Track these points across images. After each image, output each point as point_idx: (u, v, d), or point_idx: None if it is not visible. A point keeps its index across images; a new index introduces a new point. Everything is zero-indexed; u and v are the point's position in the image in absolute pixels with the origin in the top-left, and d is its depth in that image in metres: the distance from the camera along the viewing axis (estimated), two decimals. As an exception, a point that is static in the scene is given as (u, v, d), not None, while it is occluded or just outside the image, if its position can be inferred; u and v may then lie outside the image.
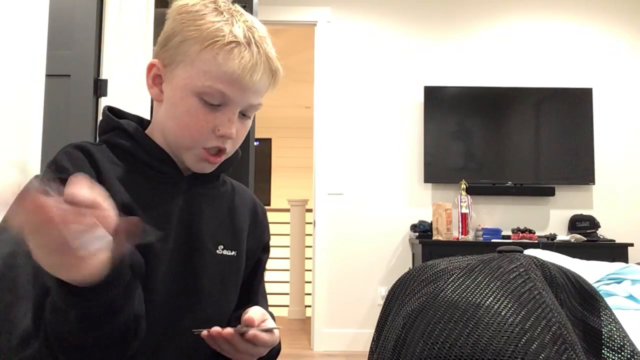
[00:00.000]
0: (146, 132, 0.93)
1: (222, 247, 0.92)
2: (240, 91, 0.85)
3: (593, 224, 4.02)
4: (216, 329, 0.79)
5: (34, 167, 1.78)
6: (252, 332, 0.81)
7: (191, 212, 0.91)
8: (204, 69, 0.84)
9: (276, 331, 0.87)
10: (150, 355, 0.83)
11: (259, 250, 1.02)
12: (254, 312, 0.87)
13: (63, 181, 0.74)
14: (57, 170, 0.81)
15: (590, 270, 1.94)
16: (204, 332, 0.80)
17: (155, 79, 0.90)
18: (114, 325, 0.70)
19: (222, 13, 0.86)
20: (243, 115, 0.90)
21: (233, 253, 0.94)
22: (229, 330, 0.80)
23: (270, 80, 0.89)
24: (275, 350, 0.93)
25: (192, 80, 0.85)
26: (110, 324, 0.69)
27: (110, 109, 0.95)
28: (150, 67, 0.90)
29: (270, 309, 0.98)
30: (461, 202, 3.86)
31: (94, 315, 0.67)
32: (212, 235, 0.92)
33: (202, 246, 0.90)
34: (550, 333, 0.49)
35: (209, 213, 0.93)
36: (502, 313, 0.51)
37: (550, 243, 3.75)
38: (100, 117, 0.98)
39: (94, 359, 0.72)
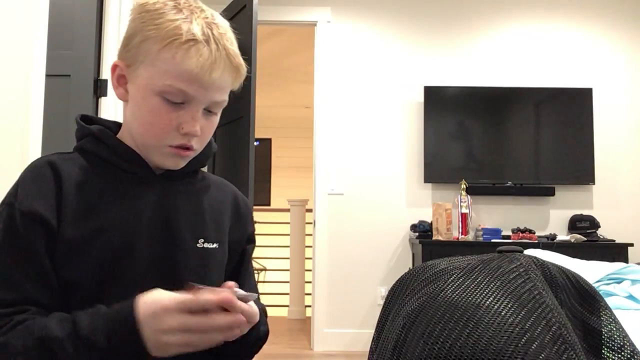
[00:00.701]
0: (118, 134, 0.94)
1: (202, 240, 0.92)
2: (201, 89, 0.86)
3: (593, 224, 4.02)
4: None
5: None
6: (225, 293, 0.74)
7: (167, 209, 0.91)
8: (164, 68, 0.84)
9: (253, 305, 0.80)
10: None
11: (243, 242, 1.02)
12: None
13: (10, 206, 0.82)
14: (12, 194, 0.84)
15: (590, 270, 1.94)
16: None
17: (120, 79, 0.91)
18: None
19: (181, 11, 0.86)
20: (209, 111, 0.90)
21: (215, 246, 0.94)
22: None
23: (233, 76, 0.89)
24: (258, 336, 0.90)
25: (153, 80, 0.85)
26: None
27: (83, 117, 0.96)
28: (114, 67, 0.91)
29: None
30: (461, 202, 3.86)
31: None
32: (192, 230, 0.92)
33: (182, 241, 0.90)
34: (550, 333, 0.49)
35: (186, 209, 0.93)
36: (502, 313, 0.51)
37: (550, 243, 3.75)
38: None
39: None
